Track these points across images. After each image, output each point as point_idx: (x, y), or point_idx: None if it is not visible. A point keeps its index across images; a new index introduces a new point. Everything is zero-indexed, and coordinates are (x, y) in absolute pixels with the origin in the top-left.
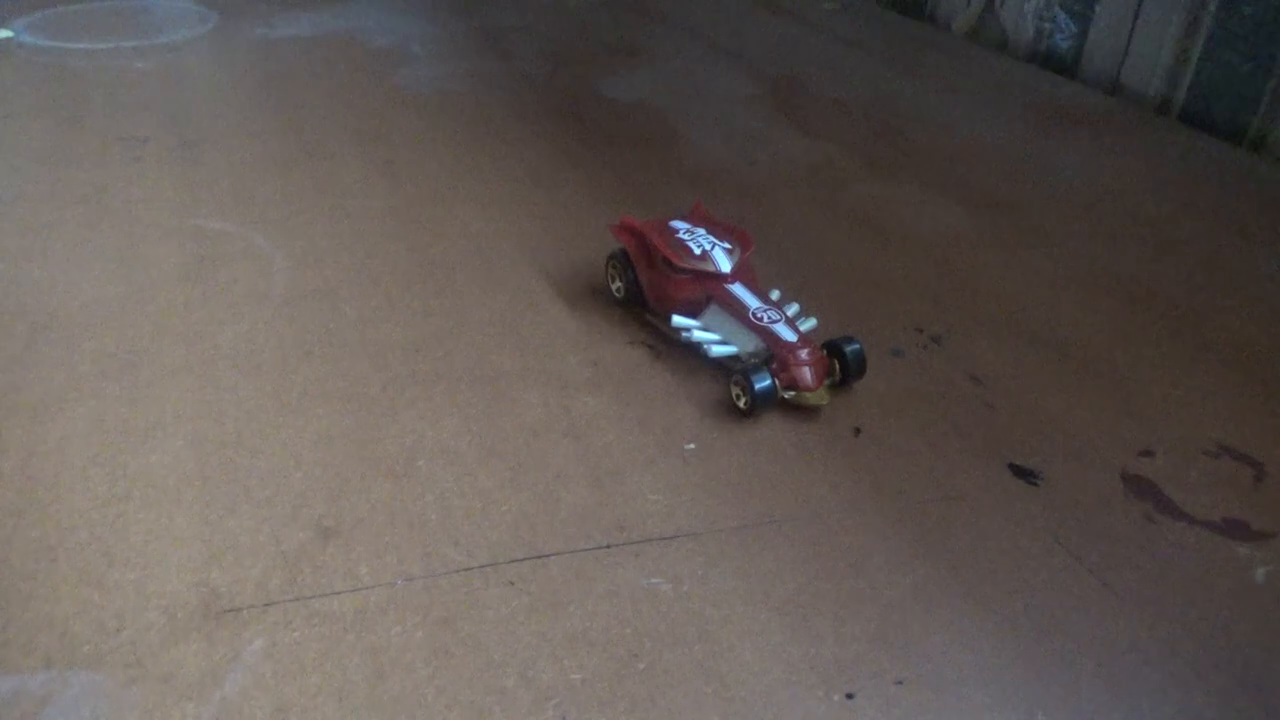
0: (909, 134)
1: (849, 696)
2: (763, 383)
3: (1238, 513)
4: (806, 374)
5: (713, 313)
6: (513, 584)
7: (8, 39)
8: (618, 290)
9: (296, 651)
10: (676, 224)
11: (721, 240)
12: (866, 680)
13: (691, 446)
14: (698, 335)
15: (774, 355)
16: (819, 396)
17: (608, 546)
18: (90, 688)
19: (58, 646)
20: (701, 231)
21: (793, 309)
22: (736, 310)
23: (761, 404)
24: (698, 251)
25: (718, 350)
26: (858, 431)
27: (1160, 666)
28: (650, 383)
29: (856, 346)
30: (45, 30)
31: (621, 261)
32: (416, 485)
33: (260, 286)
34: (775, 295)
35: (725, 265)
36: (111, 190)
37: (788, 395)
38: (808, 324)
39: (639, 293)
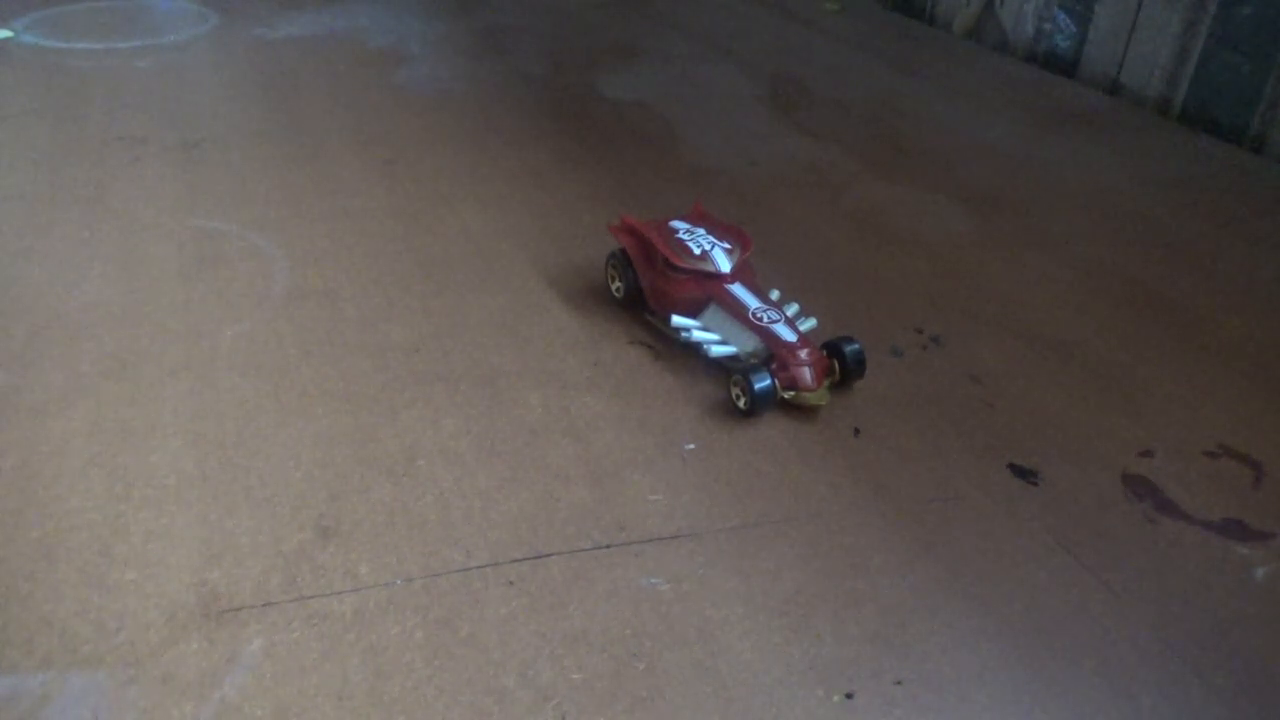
0: (909, 134)
1: (849, 696)
2: (763, 383)
3: (1238, 513)
4: (806, 374)
5: (712, 313)
6: (513, 584)
7: (8, 39)
8: (617, 290)
9: (296, 652)
10: (676, 224)
11: (721, 240)
12: (866, 680)
13: (691, 446)
14: (698, 335)
15: (774, 355)
16: (819, 396)
17: (608, 546)
18: (90, 688)
19: (58, 646)
20: (701, 231)
21: (793, 309)
22: (736, 310)
23: (761, 404)
24: (697, 251)
25: (718, 350)
26: (857, 431)
27: (1160, 666)
28: (650, 383)
29: (856, 346)
30: (45, 30)
31: (621, 261)
32: (416, 485)
33: (260, 286)
34: (775, 295)
35: (725, 265)
36: (111, 190)
37: (788, 395)
38: (807, 324)
39: (639, 293)
